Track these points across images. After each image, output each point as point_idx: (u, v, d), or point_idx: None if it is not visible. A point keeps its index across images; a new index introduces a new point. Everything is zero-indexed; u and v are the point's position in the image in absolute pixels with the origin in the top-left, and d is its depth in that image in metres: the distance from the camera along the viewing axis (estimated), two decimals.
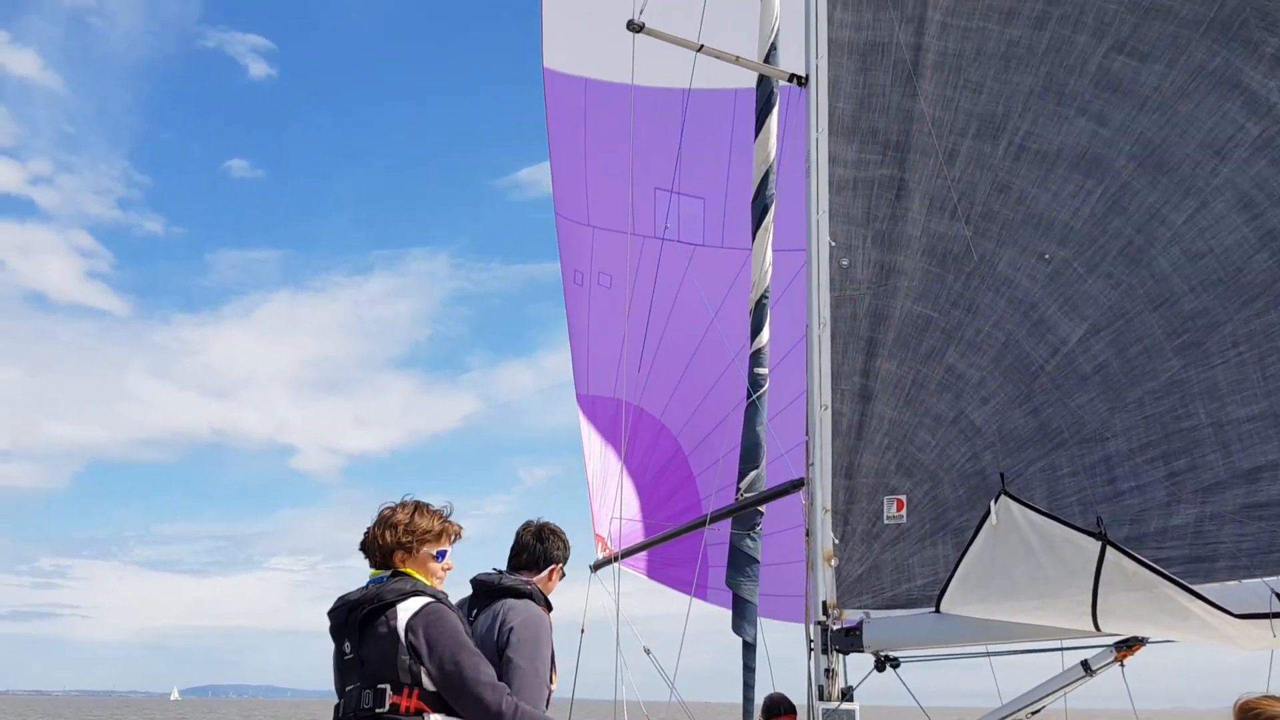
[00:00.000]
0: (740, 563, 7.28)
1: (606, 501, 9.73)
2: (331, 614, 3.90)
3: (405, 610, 3.74)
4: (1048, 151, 5.46)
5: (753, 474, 7.27)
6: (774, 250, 7.76)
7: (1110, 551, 4.25)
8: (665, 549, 9.04)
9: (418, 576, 3.91)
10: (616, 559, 8.53)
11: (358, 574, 4.00)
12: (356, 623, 3.77)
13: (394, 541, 3.92)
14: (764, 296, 7.46)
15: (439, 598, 3.85)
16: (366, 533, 4.00)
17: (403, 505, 4.01)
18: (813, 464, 5.75)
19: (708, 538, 7.87)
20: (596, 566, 8.97)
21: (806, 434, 5.85)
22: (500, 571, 4.42)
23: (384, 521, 3.96)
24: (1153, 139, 5.19)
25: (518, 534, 4.55)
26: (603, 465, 10.22)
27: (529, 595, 4.25)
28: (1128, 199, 5.22)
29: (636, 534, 9.68)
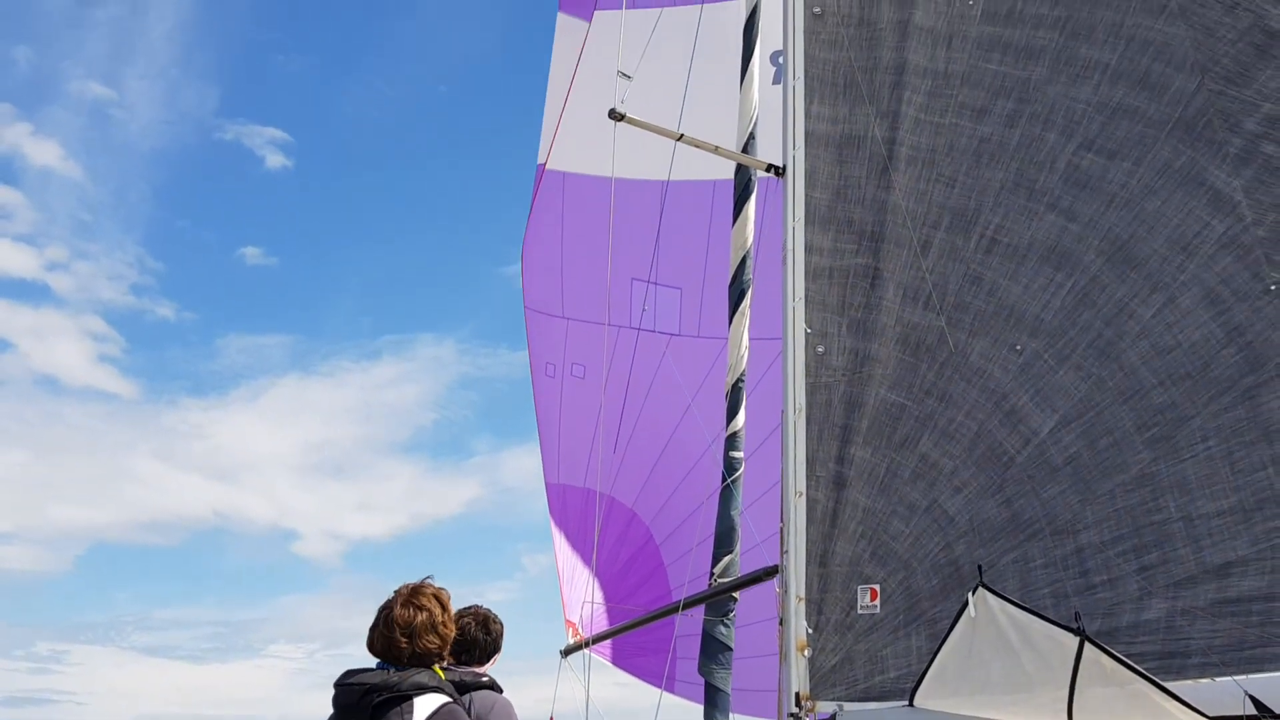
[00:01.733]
0: (713, 650, 7.16)
1: (577, 587, 9.60)
2: (341, 689, 3.72)
3: (422, 708, 3.60)
4: (1018, 245, 5.55)
5: (727, 559, 7.19)
6: (751, 338, 7.82)
7: (1088, 648, 4.21)
8: (635, 636, 8.89)
9: (435, 669, 3.79)
10: (587, 644, 8.37)
11: (355, 663, 3.84)
12: (369, 707, 3.61)
13: (435, 650, 3.79)
14: (740, 380, 7.49)
15: (455, 698, 3.73)
16: (391, 629, 3.78)
17: (444, 610, 3.85)
18: (787, 551, 5.70)
19: (679, 629, 7.76)
20: (567, 651, 8.80)
21: (781, 520, 5.81)
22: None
23: (431, 627, 3.79)
24: (1120, 234, 5.29)
25: (461, 627, 4.41)
26: (573, 554, 10.10)
27: (491, 687, 4.17)
28: (1097, 293, 5.30)
29: (607, 622, 9.52)
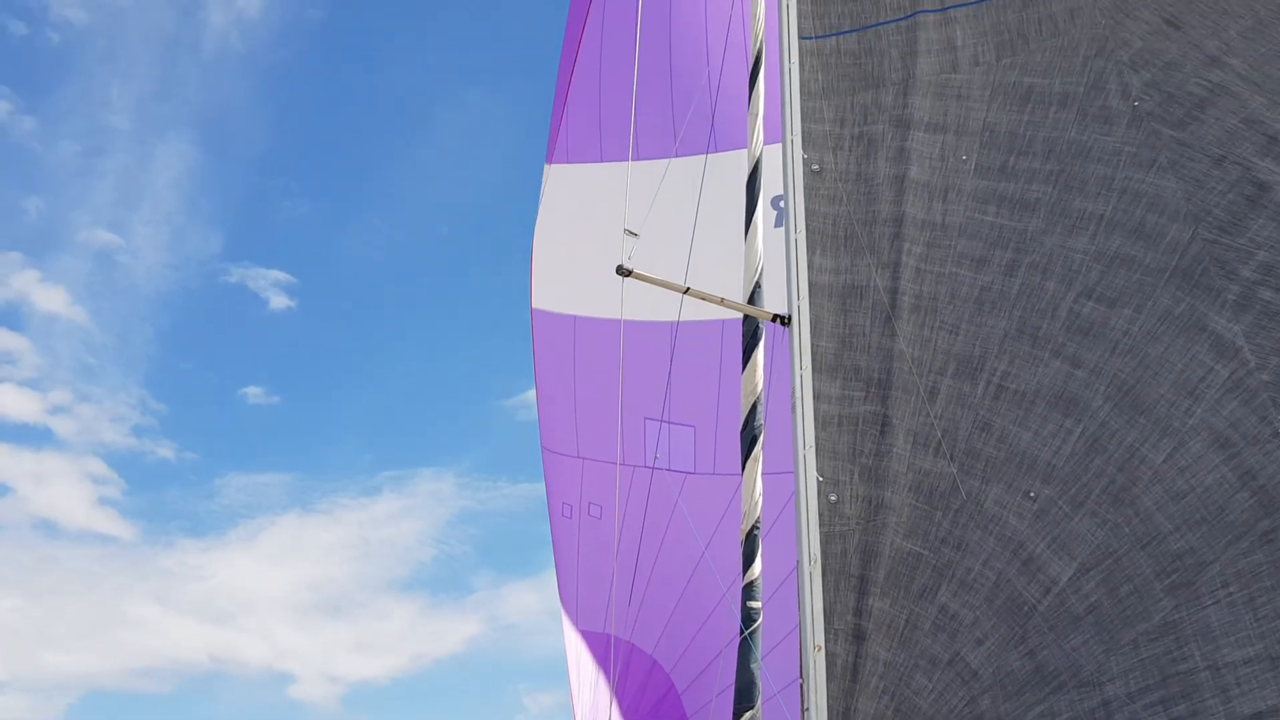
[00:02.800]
0: None
1: None
2: None
3: None
4: (1025, 391, 5.60)
5: (748, 715, 7.04)
6: (764, 475, 7.82)
7: None
8: None
9: None
10: None
11: None
12: None
13: None
14: (755, 527, 7.44)
15: None
16: None
17: None
18: (808, 709, 5.60)
19: None
20: None
21: (800, 676, 5.72)
22: None
23: None
24: (1126, 380, 5.34)
25: None
26: (593, 705, 9.91)
27: None
28: (1107, 438, 5.32)
29: None
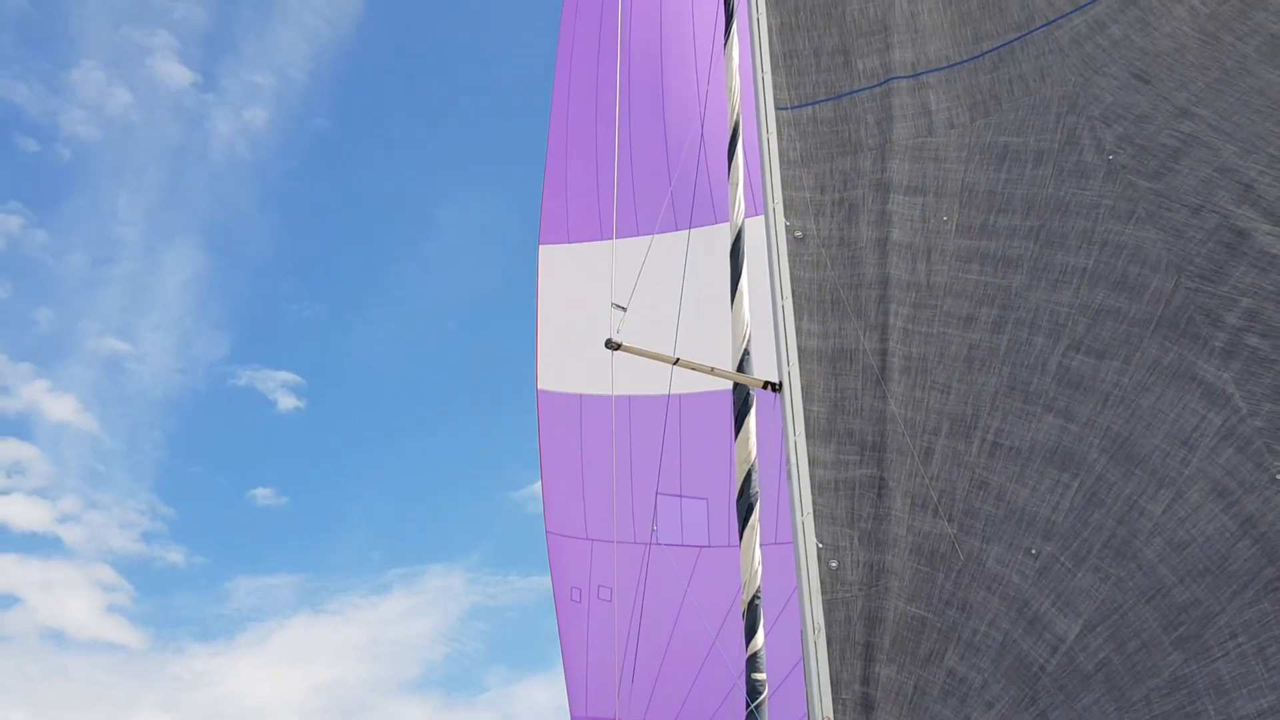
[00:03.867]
0: None
1: None
2: None
3: None
4: (1020, 448, 5.56)
5: None
6: (763, 545, 7.74)
7: None
8: None
9: None
10: None
11: None
12: None
13: None
14: (756, 597, 7.36)
15: None
16: None
17: None
18: None
19: None
20: None
21: None
22: None
23: None
24: (1120, 432, 5.30)
25: None
26: None
27: None
28: (1104, 491, 5.27)
29: None
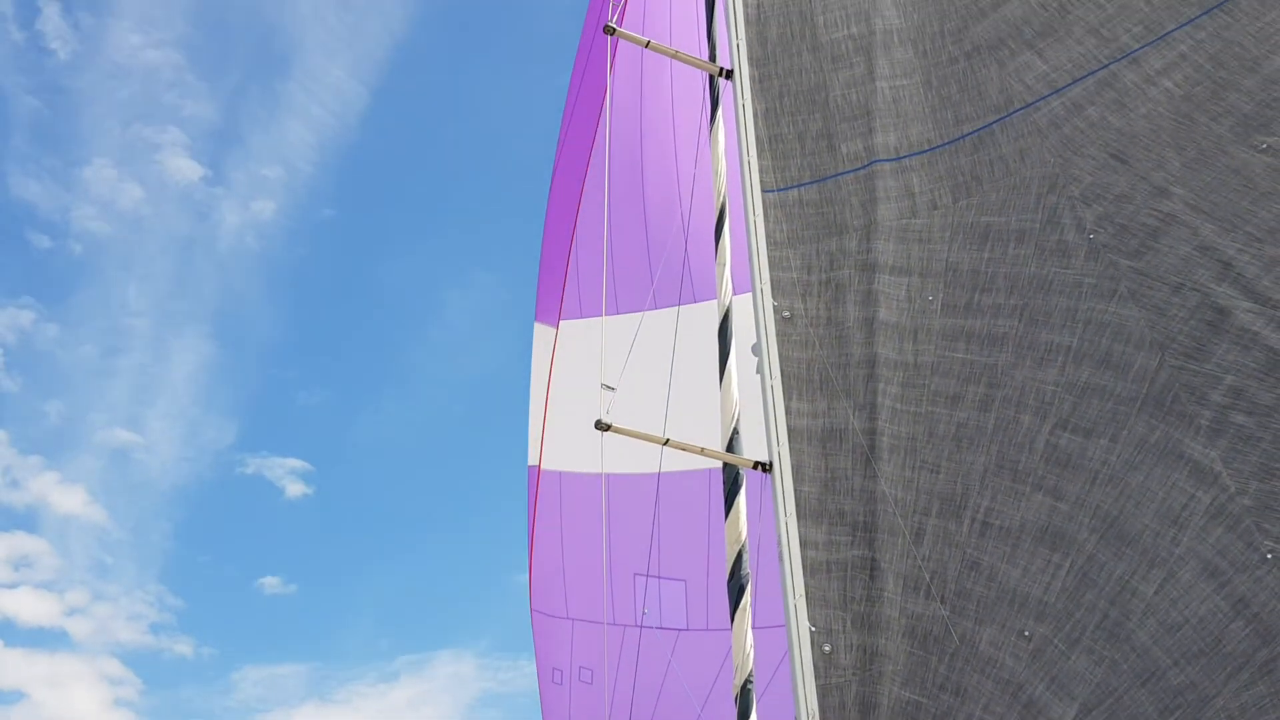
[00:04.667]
0: None
1: None
2: None
3: None
4: (1010, 527, 5.54)
5: None
6: (755, 629, 7.63)
7: None
8: None
9: None
10: None
11: None
12: None
13: None
14: (748, 682, 7.23)
15: None
16: None
17: None
18: None
19: None
20: None
21: None
22: None
23: None
24: (1110, 511, 5.29)
25: None
26: None
27: None
28: (1095, 571, 5.23)
29: None
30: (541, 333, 10.84)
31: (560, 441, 10.39)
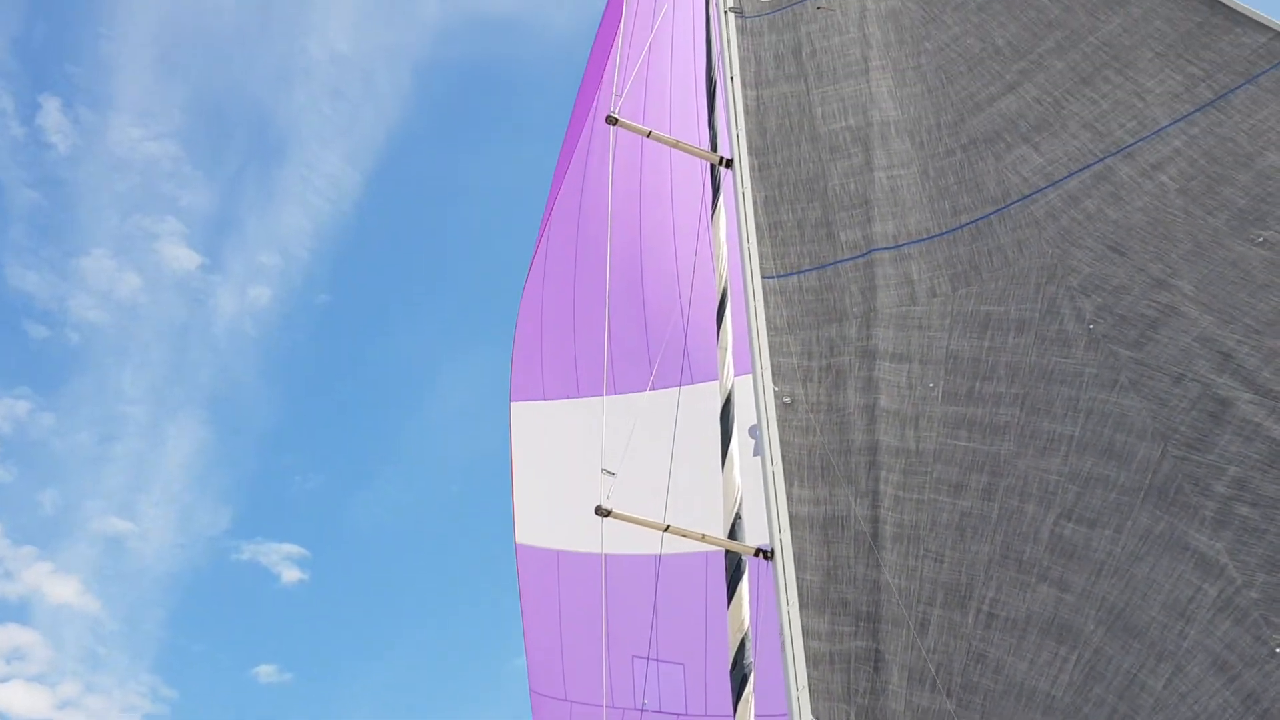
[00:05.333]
0: None
1: None
2: None
3: None
4: (1016, 619, 5.49)
5: None
6: (757, 718, 7.52)
7: None
8: None
9: None
10: None
11: None
12: None
13: None
14: None
15: None
16: None
17: None
18: None
19: None
20: None
21: None
22: None
23: None
24: (1116, 603, 5.25)
25: None
26: None
27: None
28: (1103, 665, 5.18)
29: None
30: (526, 411, 10.84)
31: (554, 520, 10.32)
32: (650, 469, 8.86)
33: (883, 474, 6.11)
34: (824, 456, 6.30)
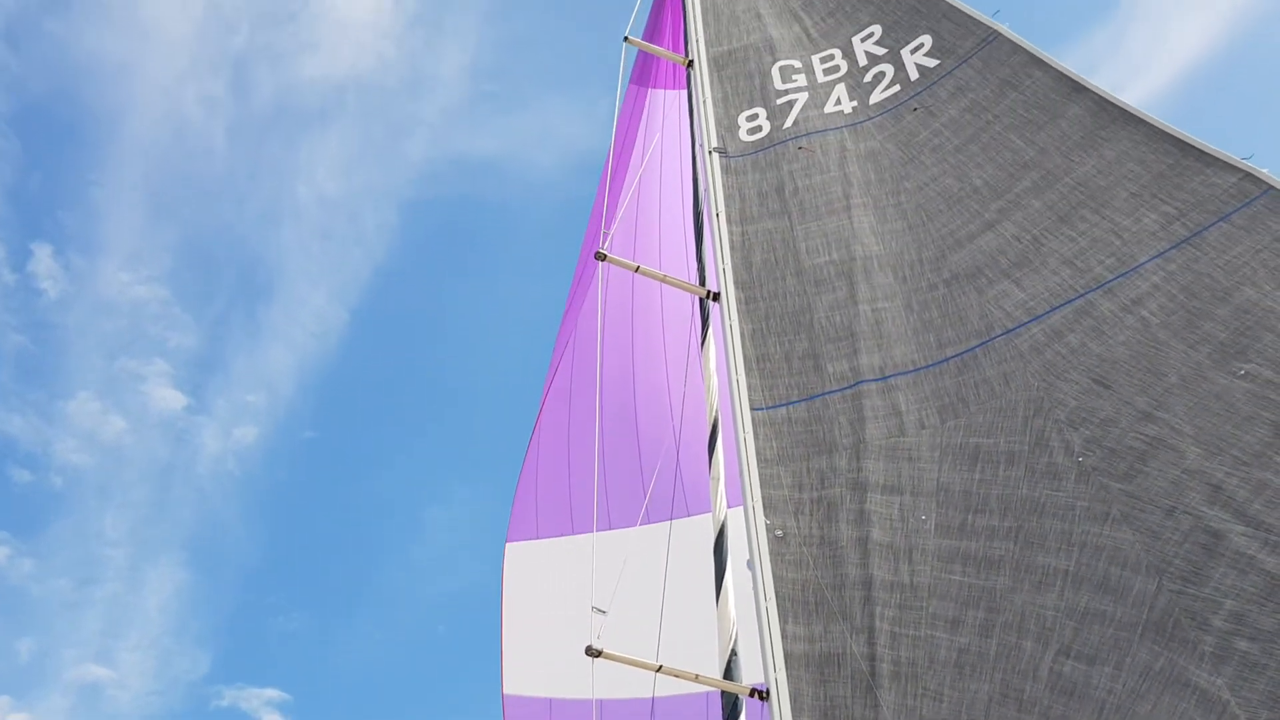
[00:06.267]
0: None
1: None
2: None
3: None
4: None
5: None
6: None
7: None
8: None
9: None
10: None
11: None
12: None
13: None
14: None
15: None
16: None
17: None
18: None
19: None
20: None
21: None
22: None
23: None
24: None
25: None
26: None
27: None
28: None
29: None
30: (519, 552, 10.71)
31: (544, 666, 10.10)
32: (644, 606, 8.74)
33: (878, 609, 6.04)
34: (818, 591, 6.23)
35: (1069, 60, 7.76)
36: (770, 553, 6.44)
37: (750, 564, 6.57)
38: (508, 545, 10.71)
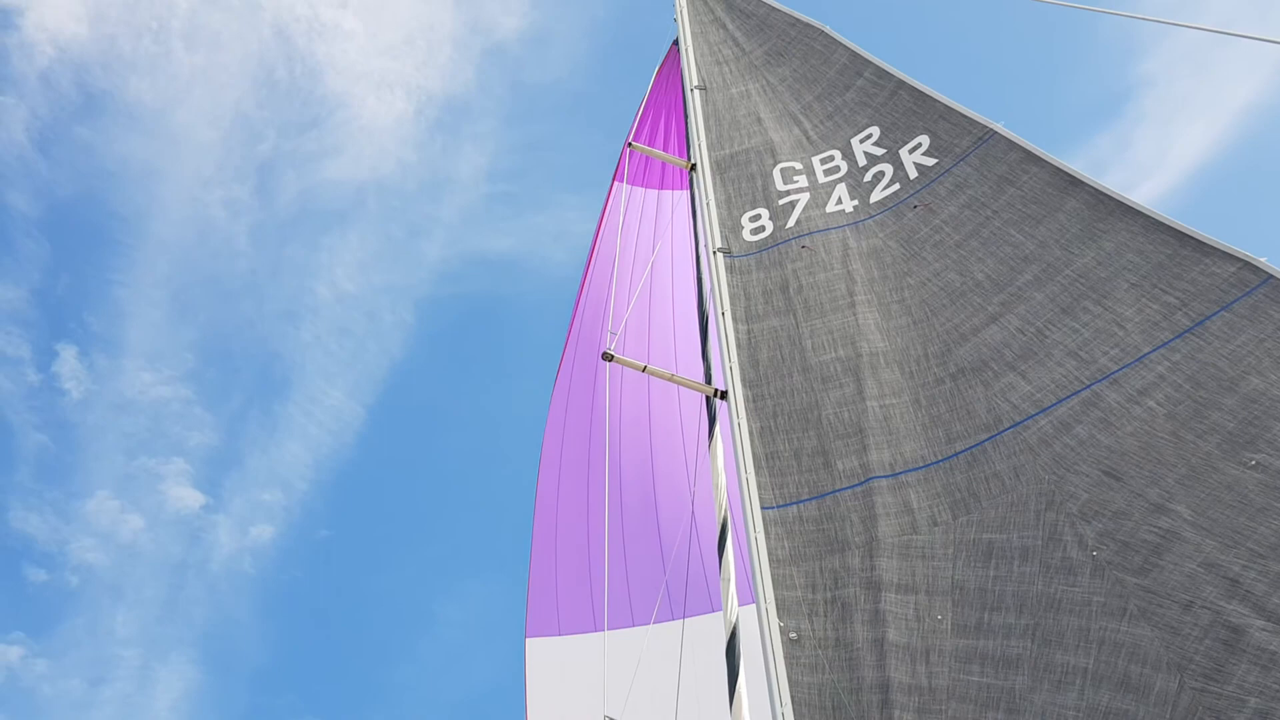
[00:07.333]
0: None
1: None
2: None
3: None
4: None
5: None
6: None
7: None
8: None
9: None
10: None
11: None
12: None
13: None
14: None
15: None
16: None
17: None
18: None
19: None
20: None
21: None
22: None
23: None
24: None
25: None
26: None
27: None
28: None
29: None
30: (541, 648, 10.56)
31: None
32: (660, 708, 8.58)
33: (896, 713, 5.91)
34: (834, 696, 6.11)
35: (1076, 162, 7.91)
36: (785, 656, 6.34)
37: (765, 670, 6.47)
38: (528, 641, 10.57)
